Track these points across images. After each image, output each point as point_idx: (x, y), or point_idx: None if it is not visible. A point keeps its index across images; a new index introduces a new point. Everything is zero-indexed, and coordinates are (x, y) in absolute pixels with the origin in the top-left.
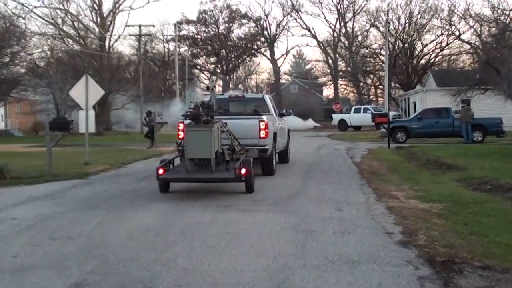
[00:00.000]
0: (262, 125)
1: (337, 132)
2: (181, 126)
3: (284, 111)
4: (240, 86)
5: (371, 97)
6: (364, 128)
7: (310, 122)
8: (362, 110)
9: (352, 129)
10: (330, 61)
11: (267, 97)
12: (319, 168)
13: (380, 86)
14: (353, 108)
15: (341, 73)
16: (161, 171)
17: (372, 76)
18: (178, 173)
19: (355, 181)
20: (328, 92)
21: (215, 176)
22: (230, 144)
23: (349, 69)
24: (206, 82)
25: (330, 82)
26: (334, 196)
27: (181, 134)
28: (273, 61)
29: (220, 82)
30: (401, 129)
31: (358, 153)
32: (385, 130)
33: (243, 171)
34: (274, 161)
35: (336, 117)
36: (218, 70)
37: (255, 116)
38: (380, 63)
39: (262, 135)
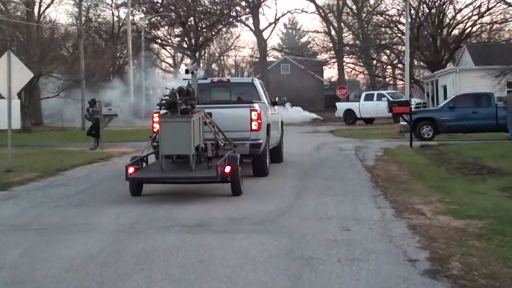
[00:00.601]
0: (254, 115)
1: (343, 127)
2: (155, 117)
3: (276, 98)
4: (214, 67)
5: (387, 79)
6: (378, 121)
7: (306, 114)
8: (375, 97)
9: (362, 122)
10: (333, 32)
11: (257, 82)
12: (319, 175)
13: (399, 65)
14: (363, 95)
15: (348, 48)
16: (131, 169)
17: (388, 51)
18: (151, 172)
19: (366, 191)
20: (330, 73)
21: (194, 175)
22: (215, 138)
23: (358, 42)
24: (169, 61)
25: (333, 61)
26: (339, 211)
27: (156, 127)
28: (258, 32)
29: (187, 61)
30: (427, 121)
31: (371, 154)
32: (406, 123)
33: (227, 169)
34: (268, 158)
35: (341, 107)
36: (185, 45)
37: (246, 104)
38: (399, 35)
39: (254, 127)
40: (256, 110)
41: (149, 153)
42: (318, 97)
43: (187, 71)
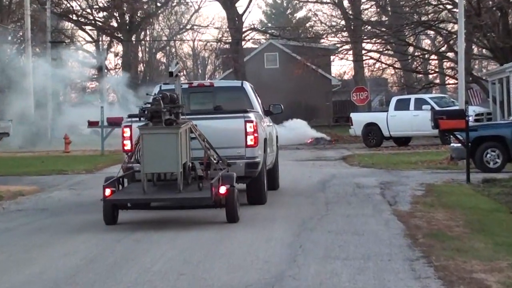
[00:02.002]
0: (250, 128)
1: (361, 151)
2: (127, 132)
3: (270, 107)
4: (160, 57)
5: (430, 76)
6: (416, 142)
7: (306, 130)
8: (412, 105)
9: (391, 143)
10: (346, 3)
11: (248, 86)
12: (325, 226)
13: (449, 54)
14: (393, 101)
15: (369, 28)
16: (108, 191)
17: (432, 33)
18: (131, 194)
19: (398, 253)
20: (342, 66)
21: (183, 196)
22: (205, 155)
23: (384, 19)
24: (90, 48)
25: (347, 47)
26: (357, 284)
27: (128, 145)
28: (228, 3)
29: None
30: (494, 142)
31: (406, 194)
32: (459, 145)
33: (222, 189)
34: (265, 182)
35: (359, 119)
36: (115, 24)
37: (238, 114)
38: (449, 7)
39: (250, 142)
40: (252, 122)
41: (124, 174)
42: (323, 104)
43: (171, 74)
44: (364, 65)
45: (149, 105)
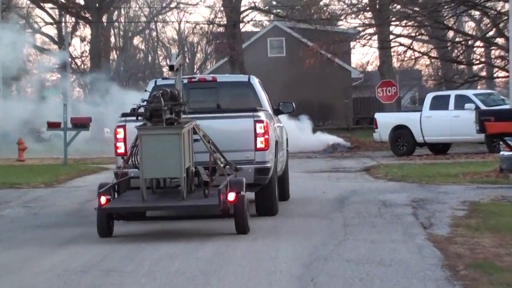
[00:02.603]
0: (260, 128)
1: (389, 160)
2: (121, 133)
3: (280, 105)
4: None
5: (475, 68)
6: (457, 149)
7: (318, 136)
8: (452, 103)
9: (426, 150)
10: None
11: (256, 81)
12: (343, 254)
13: (498, 41)
14: (429, 98)
15: (398, 8)
16: (103, 199)
17: (476, 14)
18: (129, 202)
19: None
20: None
21: (188, 204)
22: (211, 158)
23: None
24: (49, 31)
25: (371, 31)
26: None
27: (121, 147)
28: None
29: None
30: None
31: (444, 213)
32: (511, 153)
33: (230, 196)
34: (276, 190)
35: (386, 121)
36: (81, 1)
37: (247, 113)
38: None
39: (260, 145)
40: (262, 122)
41: (119, 180)
42: (341, 102)
43: (171, 67)
44: (392, 54)
45: (147, 103)
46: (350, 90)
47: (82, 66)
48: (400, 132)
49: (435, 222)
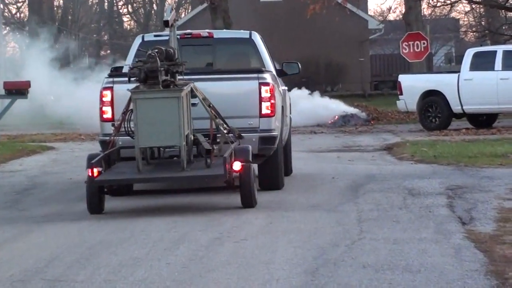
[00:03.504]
0: (266, 92)
1: (416, 136)
2: (108, 96)
3: (283, 66)
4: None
5: None
6: (504, 121)
7: (325, 104)
8: (498, 61)
9: (466, 123)
10: None
11: (258, 38)
12: (358, 258)
13: None
14: (469, 55)
15: None
16: (95, 170)
17: None
18: (123, 174)
19: None
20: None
21: (190, 175)
22: (212, 124)
23: None
24: None
25: None
26: None
27: (108, 112)
28: None
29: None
30: None
31: (488, 205)
32: None
33: (236, 166)
34: (282, 161)
35: (413, 85)
36: None
37: (251, 75)
38: None
39: (265, 111)
40: (268, 84)
41: (110, 150)
42: (355, 60)
43: (166, 23)
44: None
45: (141, 63)
46: (366, 45)
47: (18, 14)
48: (432, 100)
49: (477, 216)
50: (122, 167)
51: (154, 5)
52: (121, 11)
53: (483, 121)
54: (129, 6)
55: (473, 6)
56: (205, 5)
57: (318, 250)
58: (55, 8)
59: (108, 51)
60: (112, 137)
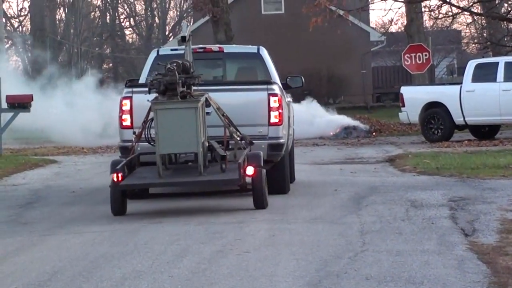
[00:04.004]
0: (274, 102)
1: (419, 147)
2: (127, 105)
3: (287, 79)
4: None
5: None
6: (506, 132)
7: (327, 117)
8: (501, 73)
9: (468, 134)
10: None
11: (265, 52)
12: (361, 270)
13: None
14: (471, 66)
15: None
16: (119, 175)
17: None
18: (145, 179)
19: None
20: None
21: (206, 179)
22: (226, 132)
23: None
24: None
25: None
26: None
27: (127, 120)
28: None
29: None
30: None
31: (491, 216)
32: None
33: (249, 170)
34: (288, 167)
35: (415, 97)
36: None
37: (261, 86)
38: None
39: (274, 120)
40: (276, 95)
41: (132, 156)
42: (357, 73)
43: (184, 38)
44: (423, 10)
45: (161, 76)
46: (368, 57)
47: (20, 28)
48: (434, 112)
49: (480, 228)
50: (143, 172)
51: (156, 18)
52: (123, 24)
53: (485, 132)
54: (131, 20)
55: (475, 17)
56: (207, 18)
57: (321, 262)
58: (57, 22)
59: (111, 64)
60: (133, 144)
